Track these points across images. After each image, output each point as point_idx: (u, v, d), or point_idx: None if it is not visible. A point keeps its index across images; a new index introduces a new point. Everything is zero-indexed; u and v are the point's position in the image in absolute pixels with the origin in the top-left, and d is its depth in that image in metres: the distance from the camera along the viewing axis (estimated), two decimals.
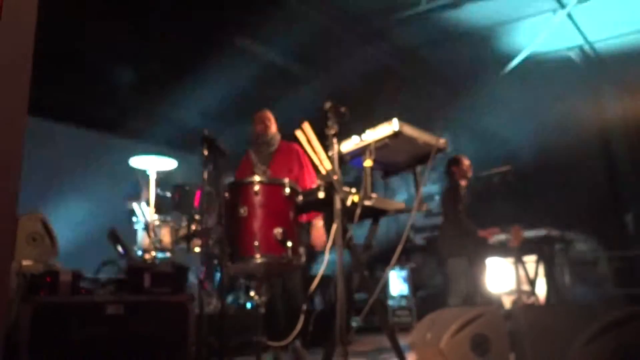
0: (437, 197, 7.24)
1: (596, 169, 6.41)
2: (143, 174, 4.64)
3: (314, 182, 3.37)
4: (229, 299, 4.57)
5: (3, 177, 1.03)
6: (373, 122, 2.31)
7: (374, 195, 2.28)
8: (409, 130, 2.30)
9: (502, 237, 4.37)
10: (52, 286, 2.60)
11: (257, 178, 2.36)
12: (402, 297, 5.94)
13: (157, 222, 4.47)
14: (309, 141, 2.45)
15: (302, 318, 2.41)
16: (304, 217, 3.38)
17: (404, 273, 6.03)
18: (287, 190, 2.36)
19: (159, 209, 4.56)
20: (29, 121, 1.11)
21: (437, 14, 5.46)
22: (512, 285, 4.86)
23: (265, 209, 2.30)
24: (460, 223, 4.33)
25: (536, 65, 6.18)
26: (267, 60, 6.25)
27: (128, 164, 4.64)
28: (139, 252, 4.39)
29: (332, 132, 2.29)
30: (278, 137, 3.74)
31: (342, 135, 2.33)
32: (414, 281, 6.00)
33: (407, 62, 6.45)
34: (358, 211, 2.21)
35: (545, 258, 4.60)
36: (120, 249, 4.22)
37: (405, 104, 6.48)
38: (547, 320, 2.36)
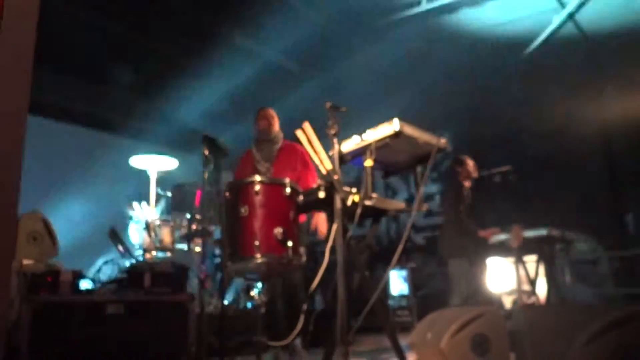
0: (437, 197, 7.24)
1: (596, 169, 6.40)
2: (143, 174, 4.65)
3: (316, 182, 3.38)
4: (229, 298, 4.57)
5: (4, 176, 1.03)
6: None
7: (374, 195, 2.28)
8: (410, 130, 2.30)
9: (502, 237, 4.37)
10: (53, 285, 2.60)
11: (257, 178, 2.36)
12: (403, 296, 5.94)
13: (157, 222, 4.47)
14: (309, 141, 2.45)
15: (302, 318, 2.41)
16: (304, 217, 3.38)
17: (404, 273, 6.03)
18: (288, 190, 2.36)
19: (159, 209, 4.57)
20: (29, 121, 1.11)
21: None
22: (513, 285, 4.86)
23: (265, 208, 2.30)
24: (461, 223, 4.33)
25: (537, 64, 6.18)
26: (267, 60, 6.25)
27: (128, 164, 4.64)
28: (140, 252, 4.39)
29: (333, 131, 2.29)
30: (281, 135, 3.76)
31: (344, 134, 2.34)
32: (414, 281, 6.00)
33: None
34: (358, 211, 2.21)
35: (546, 258, 4.60)
36: (120, 248, 4.22)
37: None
38: (547, 320, 2.36)
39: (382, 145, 2.27)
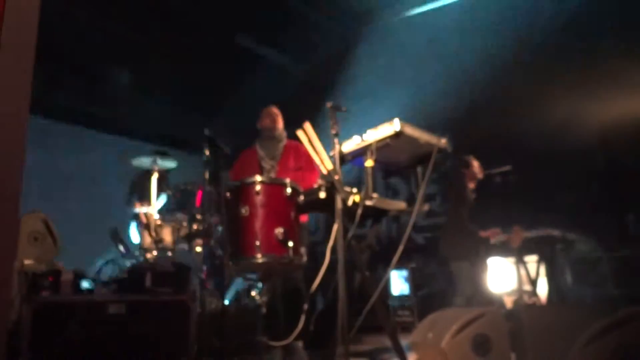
0: (437, 197, 7.23)
1: (596, 169, 6.39)
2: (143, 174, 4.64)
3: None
4: (230, 298, 4.56)
5: (5, 176, 1.03)
6: None
7: (375, 195, 2.28)
8: (410, 130, 2.30)
9: (503, 237, 4.37)
10: (54, 285, 2.60)
11: (258, 178, 2.36)
12: (403, 296, 5.94)
13: (158, 222, 4.46)
14: (310, 141, 2.45)
15: (302, 318, 2.41)
16: (305, 217, 3.38)
17: (404, 273, 6.03)
18: (289, 190, 2.36)
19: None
20: (30, 121, 1.11)
21: None
22: (514, 285, 4.86)
23: (266, 208, 2.30)
24: (462, 224, 4.33)
25: (537, 64, 6.17)
26: (267, 59, 6.26)
27: (128, 164, 4.63)
28: (140, 252, 4.39)
29: (333, 131, 2.29)
30: (285, 134, 3.79)
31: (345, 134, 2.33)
32: (414, 281, 5.99)
33: None
34: (359, 211, 2.21)
35: (546, 258, 4.60)
36: (121, 248, 4.22)
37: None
38: (548, 320, 2.36)
39: (382, 146, 2.27)
